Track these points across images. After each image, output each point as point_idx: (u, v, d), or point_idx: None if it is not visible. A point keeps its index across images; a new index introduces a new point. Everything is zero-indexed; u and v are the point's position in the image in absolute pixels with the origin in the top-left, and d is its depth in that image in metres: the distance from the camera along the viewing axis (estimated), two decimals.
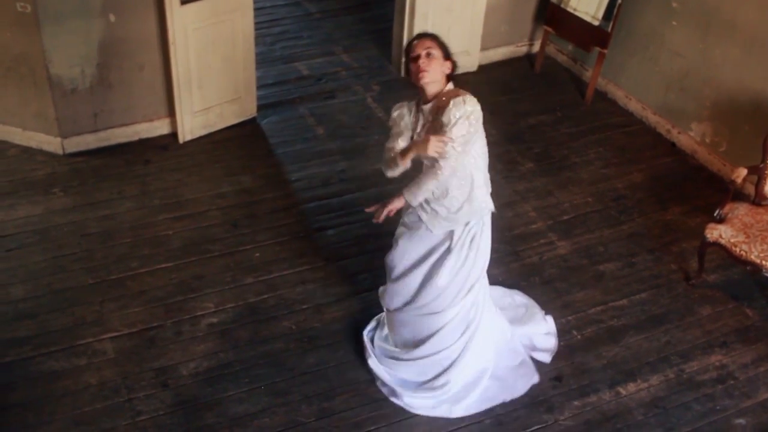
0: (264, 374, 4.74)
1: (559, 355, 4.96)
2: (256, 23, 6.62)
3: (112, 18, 5.98)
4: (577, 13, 7.29)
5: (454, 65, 4.17)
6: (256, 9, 6.56)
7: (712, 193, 6.29)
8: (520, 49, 8.13)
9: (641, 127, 7.15)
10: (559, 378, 4.82)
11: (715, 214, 5.38)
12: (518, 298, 5.23)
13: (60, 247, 5.50)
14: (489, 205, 4.35)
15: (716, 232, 5.23)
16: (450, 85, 4.17)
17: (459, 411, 4.58)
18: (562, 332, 5.10)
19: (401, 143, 4.19)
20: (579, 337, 5.10)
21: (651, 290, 5.48)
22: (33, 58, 5.94)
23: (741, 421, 4.67)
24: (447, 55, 4.14)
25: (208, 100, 6.54)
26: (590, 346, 5.04)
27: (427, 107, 4.14)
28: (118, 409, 4.49)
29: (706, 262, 5.47)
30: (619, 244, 5.84)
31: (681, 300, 5.42)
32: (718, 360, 5.01)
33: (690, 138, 6.77)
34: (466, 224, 4.30)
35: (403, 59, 4.27)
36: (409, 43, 4.16)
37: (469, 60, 7.73)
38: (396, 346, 4.73)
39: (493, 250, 5.62)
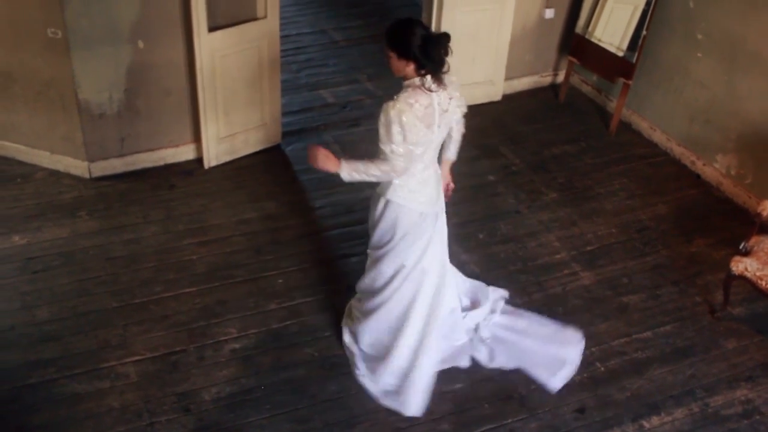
0: (285, 401, 4.73)
1: (582, 386, 4.92)
2: (282, 51, 6.68)
3: (140, 44, 6.05)
4: (601, 44, 7.31)
5: (417, 61, 4.17)
6: (282, 37, 6.63)
7: (737, 225, 6.26)
8: (544, 79, 8.15)
9: (666, 159, 7.13)
10: (581, 410, 4.78)
11: (740, 247, 5.34)
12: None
13: (85, 270, 5.54)
14: (405, 201, 4.42)
15: (742, 265, 5.20)
16: (415, 80, 4.21)
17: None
18: (585, 364, 5.06)
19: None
20: (602, 369, 5.07)
21: (675, 323, 5.44)
22: (62, 82, 6.01)
23: None
24: (401, 54, 4.19)
25: (233, 127, 6.59)
26: (614, 378, 5.00)
27: None
28: None
29: (731, 295, 5.43)
30: (643, 276, 5.81)
31: (706, 333, 5.38)
32: (743, 394, 4.96)
33: (715, 170, 6.75)
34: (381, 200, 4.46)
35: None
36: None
37: (493, 89, 7.75)
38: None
39: (516, 280, 5.67)
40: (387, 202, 4.45)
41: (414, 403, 4.64)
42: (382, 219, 4.52)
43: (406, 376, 4.69)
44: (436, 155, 4.48)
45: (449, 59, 4.20)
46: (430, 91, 4.17)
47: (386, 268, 4.65)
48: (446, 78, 4.27)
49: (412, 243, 4.52)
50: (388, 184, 4.38)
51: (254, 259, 5.74)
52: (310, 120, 7.41)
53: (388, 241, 4.56)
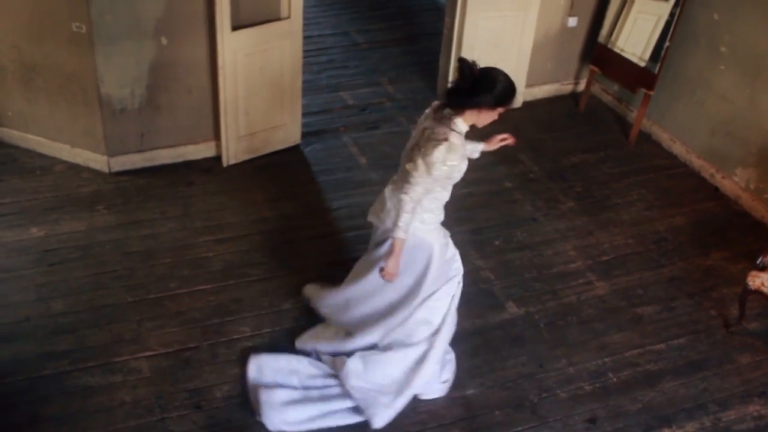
0: None
1: (594, 396, 4.91)
2: (303, 51, 6.69)
3: (164, 41, 6.08)
4: (624, 54, 7.29)
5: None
6: (304, 37, 6.63)
7: (755, 240, 6.23)
8: (565, 87, 8.14)
9: (685, 171, 7.10)
10: (593, 420, 4.77)
11: (757, 262, 5.31)
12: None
13: (101, 264, 5.57)
14: (426, 235, 4.36)
15: (758, 280, 5.17)
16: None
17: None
18: (597, 374, 5.06)
19: None
20: (615, 379, 5.05)
21: (689, 335, 5.42)
22: (85, 77, 6.05)
23: None
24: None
25: (253, 126, 6.61)
26: (626, 390, 4.99)
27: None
28: (151, 428, 4.51)
29: (746, 310, 5.41)
30: (658, 288, 5.78)
31: (720, 347, 5.35)
32: (756, 410, 4.93)
33: (734, 183, 6.71)
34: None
35: (492, 99, 4.13)
36: (513, 94, 4.21)
37: None
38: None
39: (531, 288, 5.66)
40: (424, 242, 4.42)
41: (387, 417, 4.57)
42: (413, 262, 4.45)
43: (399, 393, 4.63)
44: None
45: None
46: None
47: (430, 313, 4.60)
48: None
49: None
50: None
51: (270, 258, 5.75)
52: (329, 121, 7.43)
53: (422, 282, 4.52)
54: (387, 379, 4.61)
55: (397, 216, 4.14)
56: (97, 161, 6.42)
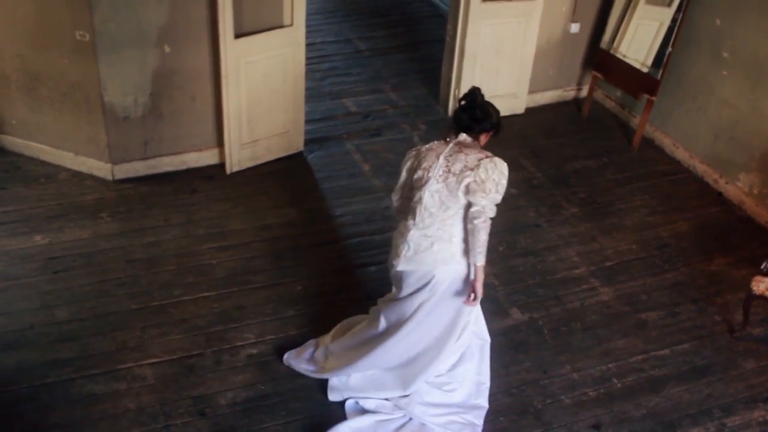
0: (301, 408, 4.73)
1: (598, 402, 4.90)
2: (306, 59, 6.70)
3: (167, 49, 6.09)
4: (626, 60, 7.29)
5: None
6: (306, 45, 6.65)
7: (759, 245, 6.22)
8: (568, 93, 8.14)
9: (688, 176, 7.10)
10: (597, 426, 4.76)
11: (761, 267, 5.31)
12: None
13: (105, 272, 5.58)
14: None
15: (762, 285, 5.17)
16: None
17: None
18: (601, 380, 5.05)
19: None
20: (619, 385, 5.04)
21: (694, 341, 5.41)
22: (88, 85, 6.07)
23: None
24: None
25: (256, 133, 6.62)
26: (630, 395, 4.98)
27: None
28: None
29: (751, 315, 5.40)
30: (662, 293, 5.78)
31: (724, 352, 5.34)
32: (761, 415, 4.92)
33: (738, 188, 6.71)
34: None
35: (497, 122, 4.42)
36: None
37: (516, 102, 7.75)
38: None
39: (535, 294, 5.66)
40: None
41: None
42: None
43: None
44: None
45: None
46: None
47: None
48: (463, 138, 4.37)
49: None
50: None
51: (273, 265, 5.75)
52: (332, 128, 7.43)
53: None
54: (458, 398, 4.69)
55: (483, 248, 4.17)
56: (101, 169, 6.43)
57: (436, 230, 4.24)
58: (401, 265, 4.34)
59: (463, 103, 4.34)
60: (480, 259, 4.18)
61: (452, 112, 4.40)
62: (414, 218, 4.29)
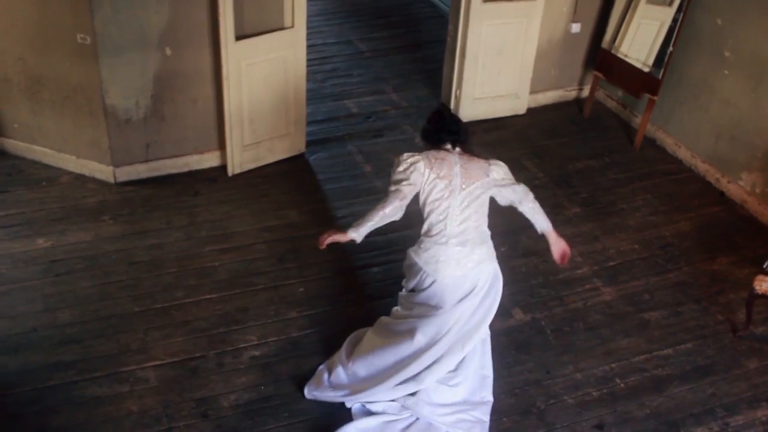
0: (304, 409, 4.73)
1: (601, 402, 4.90)
2: (307, 60, 6.70)
3: (168, 52, 6.10)
4: (627, 60, 7.29)
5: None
6: (308, 46, 6.65)
7: (761, 244, 6.22)
8: (569, 93, 8.14)
9: (690, 175, 7.10)
10: (600, 426, 4.76)
11: (764, 266, 5.31)
12: None
13: (108, 274, 5.58)
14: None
15: (765, 284, 5.16)
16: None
17: None
18: (604, 380, 5.05)
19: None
20: (622, 385, 5.04)
21: (697, 340, 5.40)
22: (90, 88, 6.07)
23: None
24: None
25: (258, 135, 6.62)
26: (633, 395, 4.98)
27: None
28: None
29: (753, 314, 5.39)
30: (665, 293, 5.77)
31: (727, 352, 5.34)
32: (764, 414, 4.91)
33: (740, 188, 6.71)
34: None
35: None
36: None
37: (518, 103, 7.75)
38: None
39: (537, 294, 5.65)
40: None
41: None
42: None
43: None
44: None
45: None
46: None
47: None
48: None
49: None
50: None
51: (276, 267, 5.76)
52: (334, 129, 7.44)
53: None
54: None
55: (542, 216, 4.52)
56: (103, 172, 6.44)
57: (471, 235, 4.35)
58: (449, 279, 4.35)
59: (443, 122, 4.54)
60: (549, 224, 4.54)
61: (435, 131, 4.46)
62: (446, 230, 4.36)
